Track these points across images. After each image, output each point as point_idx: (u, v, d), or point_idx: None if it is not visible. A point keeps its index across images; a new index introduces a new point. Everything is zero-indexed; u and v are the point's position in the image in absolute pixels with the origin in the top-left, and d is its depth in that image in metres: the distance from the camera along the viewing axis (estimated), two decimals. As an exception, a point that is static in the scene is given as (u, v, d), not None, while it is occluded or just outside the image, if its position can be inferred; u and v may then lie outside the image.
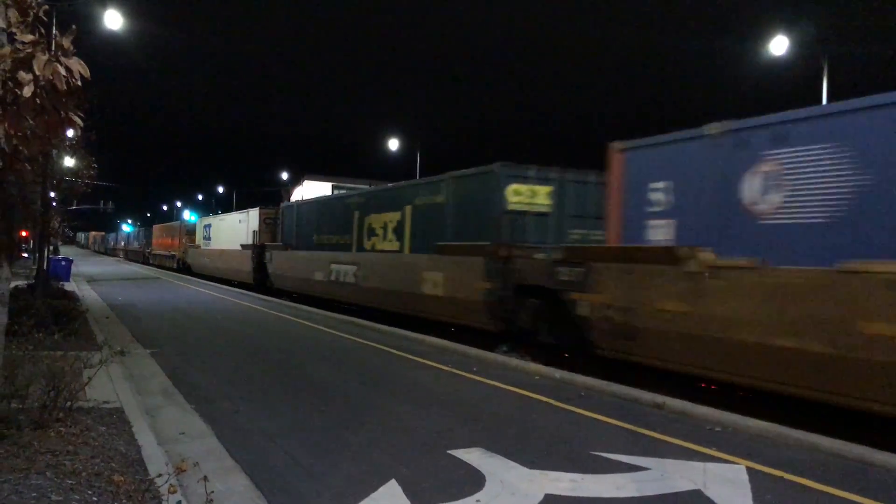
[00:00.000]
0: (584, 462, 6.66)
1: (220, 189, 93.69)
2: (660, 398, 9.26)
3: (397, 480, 5.95)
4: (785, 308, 8.61)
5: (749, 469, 6.50)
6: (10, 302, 5.19)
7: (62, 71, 4.08)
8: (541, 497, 5.66)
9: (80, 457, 5.74)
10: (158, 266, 54.99)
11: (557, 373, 11.22)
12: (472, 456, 6.72)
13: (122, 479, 4.89)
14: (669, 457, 6.87)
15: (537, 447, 7.15)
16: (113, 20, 18.47)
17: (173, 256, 51.81)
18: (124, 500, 4.78)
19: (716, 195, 9.89)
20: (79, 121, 4.45)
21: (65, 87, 4.14)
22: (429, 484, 5.91)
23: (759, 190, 9.29)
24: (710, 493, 5.84)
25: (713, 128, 10.04)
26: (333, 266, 22.73)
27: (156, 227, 64.47)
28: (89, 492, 4.98)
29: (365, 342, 14.84)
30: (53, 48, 4.16)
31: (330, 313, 20.69)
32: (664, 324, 10.19)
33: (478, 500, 5.57)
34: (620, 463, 6.63)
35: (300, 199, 29.15)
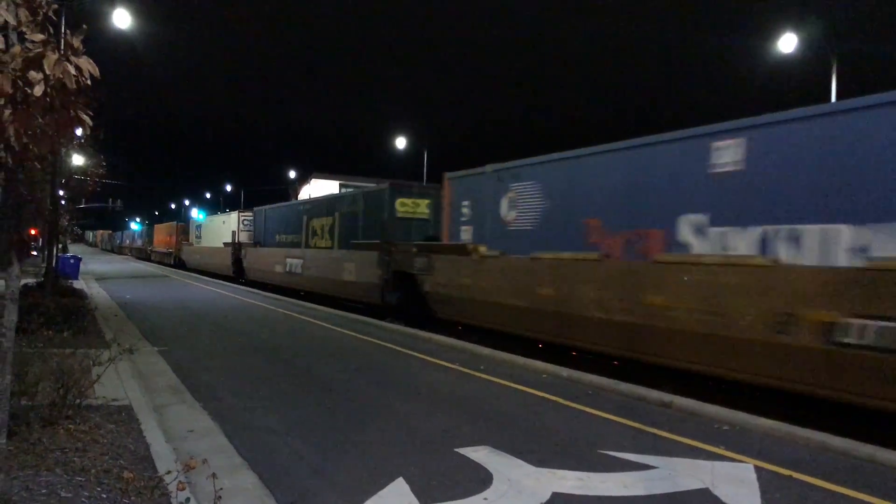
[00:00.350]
0: (591, 460, 6.65)
1: (229, 187, 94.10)
2: (667, 397, 9.25)
3: (404, 478, 5.96)
4: (512, 280, 14.25)
5: (757, 468, 6.49)
6: (19, 299, 5.21)
7: (72, 70, 4.09)
8: (548, 495, 5.66)
9: (89, 454, 5.77)
10: (159, 262, 58.91)
11: (565, 371, 11.21)
12: (480, 454, 6.73)
13: (132, 475, 4.91)
14: (677, 455, 6.86)
15: (544, 445, 7.15)
16: (122, 19, 18.53)
17: (170, 253, 55.68)
18: (133, 497, 4.80)
19: (490, 211, 15.51)
20: (88, 119, 4.46)
21: (74, 86, 4.15)
22: (436, 482, 5.92)
23: (507, 208, 15.00)
24: (717, 492, 5.83)
25: (488, 168, 15.74)
26: (288, 260, 28.35)
27: (156, 227, 68.67)
28: (98, 489, 5.01)
29: (371, 340, 14.86)
30: (63, 47, 4.17)
31: (336, 311, 20.75)
32: (463, 292, 15.81)
33: (485, 499, 5.58)
34: (628, 461, 6.62)
35: (300, 199, 30.89)
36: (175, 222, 61.91)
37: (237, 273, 36.03)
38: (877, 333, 7.87)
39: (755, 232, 9.59)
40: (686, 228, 10.64)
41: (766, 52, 23.60)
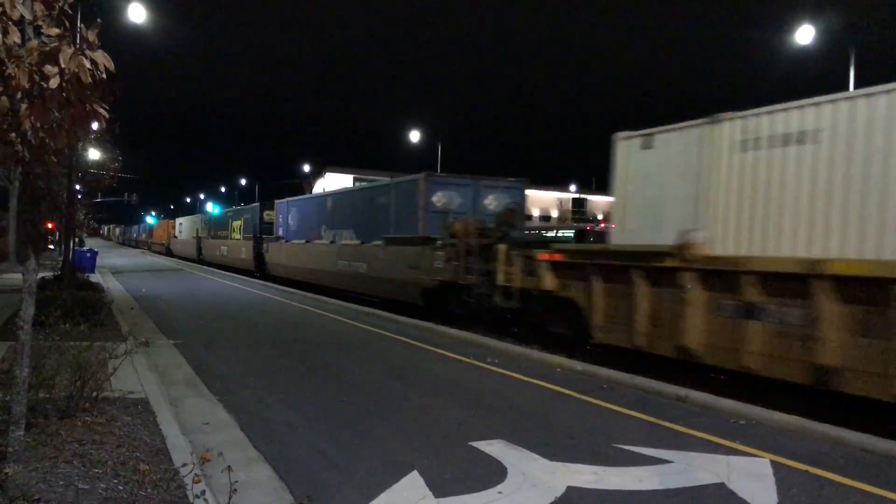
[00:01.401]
0: (606, 454, 6.63)
1: (243, 181, 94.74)
2: (683, 391, 9.20)
3: (419, 471, 5.96)
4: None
5: (773, 462, 6.44)
6: (36, 293, 5.25)
7: (87, 64, 4.10)
8: (563, 489, 5.65)
9: (105, 446, 5.81)
10: (159, 253, 70.32)
11: (579, 365, 11.18)
12: (494, 448, 6.72)
13: (148, 468, 4.93)
14: (693, 450, 6.82)
15: (559, 439, 7.14)
16: (137, 13, 18.59)
17: (163, 244, 70.43)
18: (150, 490, 4.83)
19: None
20: (104, 113, 4.47)
21: (90, 80, 4.17)
22: (450, 475, 5.92)
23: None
24: (733, 486, 5.79)
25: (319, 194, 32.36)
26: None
27: (156, 224, 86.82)
28: (115, 481, 5.05)
29: (386, 333, 14.87)
30: (78, 41, 4.18)
31: (349, 304, 20.78)
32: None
33: (500, 492, 5.57)
34: (643, 456, 6.59)
35: (316, 192, 31.08)
36: (167, 220, 78.81)
37: (200, 259, 39.29)
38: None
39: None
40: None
41: (784, 43, 23.39)
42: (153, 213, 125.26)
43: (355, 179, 29.48)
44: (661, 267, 10.71)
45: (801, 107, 9.96)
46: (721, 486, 5.80)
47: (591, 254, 12.65)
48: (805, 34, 22.34)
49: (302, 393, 9.04)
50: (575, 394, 9.28)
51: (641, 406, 8.63)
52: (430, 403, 8.64)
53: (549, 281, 13.26)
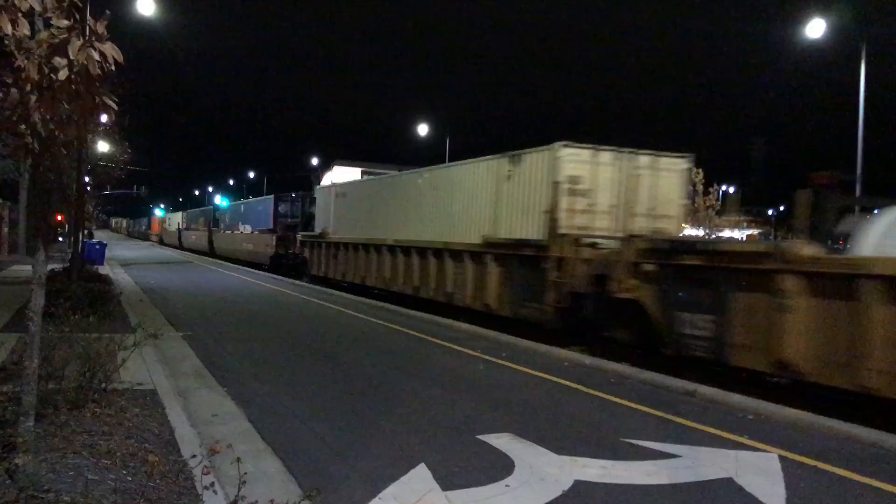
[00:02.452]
0: (614, 449, 6.62)
1: (252, 174, 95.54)
2: (691, 386, 9.18)
3: (426, 464, 5.97)
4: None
5: (782, 458, 6.42)
6: (46, 284, 5.26)
7: (96, 56, 4.09)
8: (570, 483, 5.65)
9: (114, 437, 5.83)
10: (157, 242, 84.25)
11: (587, 359, 11.17)
12: (502, 441, 6.72)
13: (157, 459, 4.95)
14: (701, 444, 6.81)
15: (567, 433, 7.13)
16: (146, 6, 18.61)
17: (158, 235, 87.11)
18: (159, 481, 4.84)
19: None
20: (113, 105, 4.47)
21: (99, 72, 4.16)
22: (458, 468, 5.92)
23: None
24: (741, 481, 5.78)
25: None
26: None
27: (154, 218, 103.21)
28: (124, 471, 5.06)
29: (395, 327, 14.89)
30: (88, 33, 4.18)
31: (357, 297, 20.80)
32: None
33: (507, 486, 5.57)
34: (651, 450, 6.58)
35: (326, 185, 29.41)
36: (159, 215, 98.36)
37: (180, 246, 40.04)
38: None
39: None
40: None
41: (795, 38, 23.26)
42: (162, 206, 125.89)
43: (363, 173, 28.86)
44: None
45: None
46: (729, 481, 5.78)
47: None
48: (815, 28, 22.20)
49: (310, 385, 9.06)
50: (583, 388, 9.27)
51: (649, 401, 8.62)
52: (437, 396, 8.65)
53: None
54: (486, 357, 11.42)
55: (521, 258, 15.14)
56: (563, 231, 13.87)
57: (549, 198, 14.31)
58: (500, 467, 5.98)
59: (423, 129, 44.23)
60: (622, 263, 12.01)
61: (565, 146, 14.32)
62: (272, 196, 40.82)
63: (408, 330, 14.44)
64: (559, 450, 6.51)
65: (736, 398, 8.59)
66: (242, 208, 48.16)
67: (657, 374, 9.91)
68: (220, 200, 63.35)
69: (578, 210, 14.31)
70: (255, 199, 47.87)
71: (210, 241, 52.20)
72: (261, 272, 32.92)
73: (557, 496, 5.39)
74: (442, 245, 18.48)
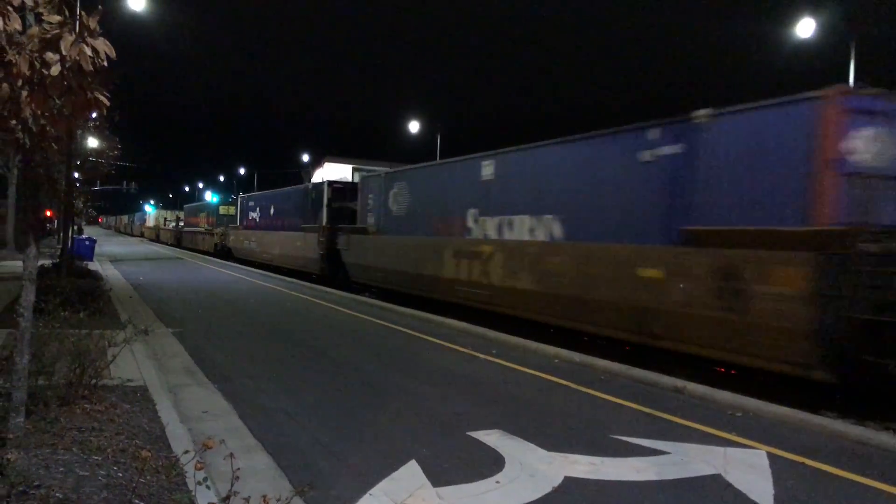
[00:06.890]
0: (603, 445, 6.66)
1: (242, 171, 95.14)
2: (680, 383, 9.23)
3: (417, 461, 5.99)
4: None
5: (770, 454, 6.47)
6: (36, 280, 5.26)
7: (88, 51, 4.10)
8: (560, 479, 5.68)
9: (105, 433, 5.83)
10: (140, 236, 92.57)
11: (577, 356, 11.21)
12: (492, 438, 6.75)
13: (149, 455, 4.95)
14: (689, 441, 6.85)
15: (557, 430, 7.17)
16: (136, 2, 18.52)
17: (142, 233, 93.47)
18: (150, 477, 4.85)
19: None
20: (105, 101, 4.47)
21: (90, 67, 4.16)
22: (448, 464, 5.95)
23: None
24: (730, 477, 5.82)
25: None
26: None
27: (136, 215, 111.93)
28: (115, 467, 5.07)
29: (385, 324, 14.90)
30: (79, 29, 4.17)
31: (345, 293, 20.79)
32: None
33: (497, 482, 5.60)
34: (640, 447, 6.62)
35: (315, 181, 27.94)
36: (144, 213, 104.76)
37: (158, 240, 39.59)
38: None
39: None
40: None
41: (784, 37, 23.35)
42: (151, 202, 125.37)
43: (354, 169, 28.40)
44: None
45: None
46: (718, 478, 5.83)
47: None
48: (805, 28, 22.29)
49: (300, 382, 9.06)
50: (572, 384, 9.31)
51: (639, 397, 8.67)
52: (428, 393, 8.67)
53: None
54: (477, 353, 11.43)
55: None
56: None
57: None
58: (490, 464, 6.01)
59: (413, 127, 44.14)
60: None
61: None
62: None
63: (397, 327, 14.46)
64: (549, 446, 6.54)
65: (724, 395, 8.64)
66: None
67: (646, 372, 9.96)
68: (210, 197, 63.07)
69: None
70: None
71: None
72: (260, 272, 32.74)
73: (547, 492, 5.43)
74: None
